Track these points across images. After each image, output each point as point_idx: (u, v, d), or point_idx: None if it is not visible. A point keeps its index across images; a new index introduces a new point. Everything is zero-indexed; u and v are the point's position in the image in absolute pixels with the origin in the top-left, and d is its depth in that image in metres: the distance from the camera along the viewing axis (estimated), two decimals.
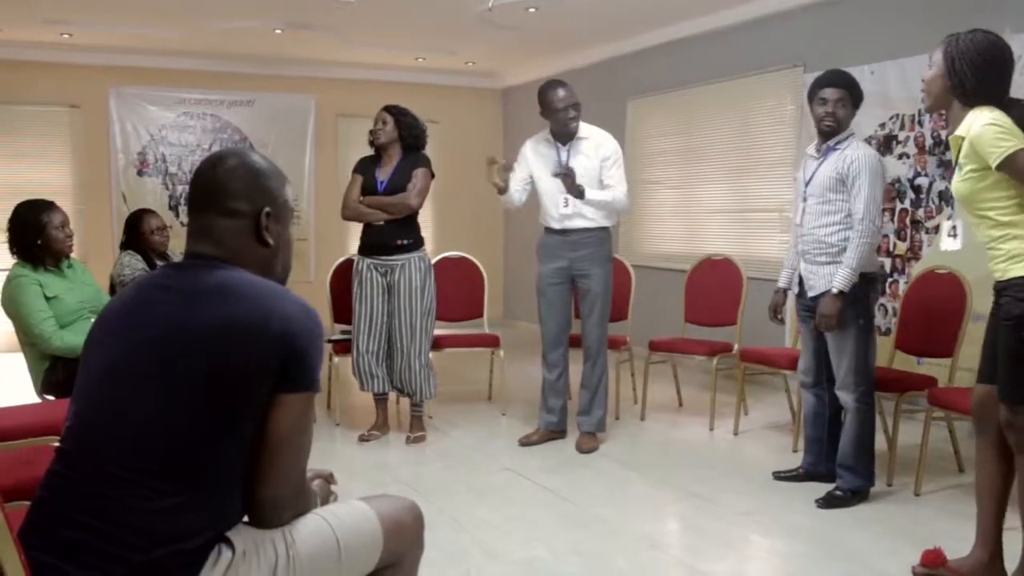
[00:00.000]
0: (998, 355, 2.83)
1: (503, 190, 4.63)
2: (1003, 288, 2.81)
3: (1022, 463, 2.83)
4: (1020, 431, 2.79)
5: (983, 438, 2.99)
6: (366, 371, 4.88)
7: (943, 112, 2.97)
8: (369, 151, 4.94)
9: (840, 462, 3.86)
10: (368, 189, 4.79)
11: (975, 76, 2.76)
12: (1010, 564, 2.99)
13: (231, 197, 1.74)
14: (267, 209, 1.76)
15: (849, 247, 3.70)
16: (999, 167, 2.66)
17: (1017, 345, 2.74)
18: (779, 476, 4.18)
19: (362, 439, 4.90)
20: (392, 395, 5.09)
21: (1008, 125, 2.68)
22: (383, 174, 4.79)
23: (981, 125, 2.70)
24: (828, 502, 3.79)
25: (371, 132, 4.83)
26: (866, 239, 3.67)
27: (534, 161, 4.74)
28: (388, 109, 4.84)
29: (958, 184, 2.86)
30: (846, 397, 3.81)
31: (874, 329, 3.91)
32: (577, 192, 4.46)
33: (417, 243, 4.87)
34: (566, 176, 4.45)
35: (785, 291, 4.21)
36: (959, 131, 2.80)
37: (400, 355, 4.82)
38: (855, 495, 3.82)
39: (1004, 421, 2.84)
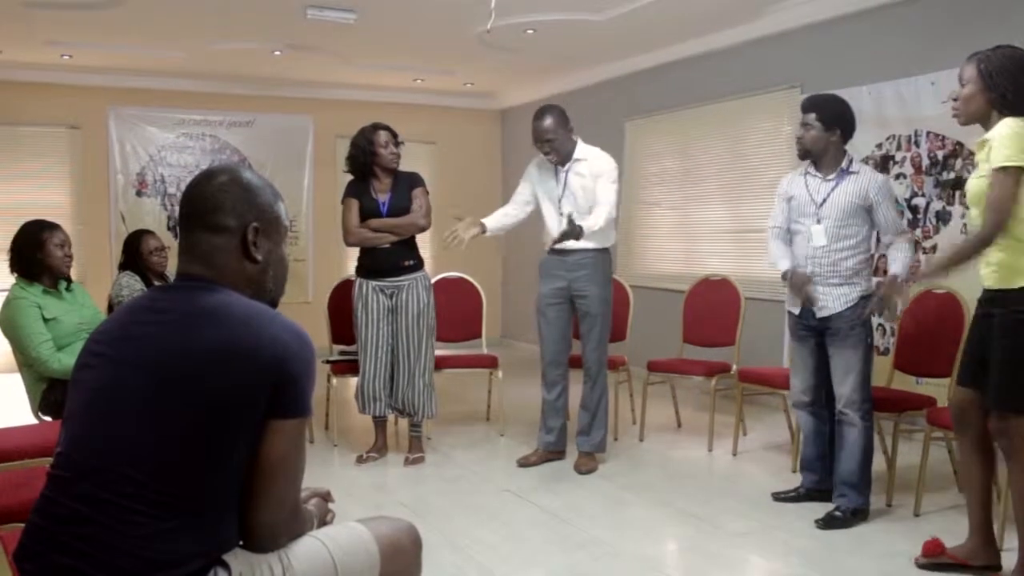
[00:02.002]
0: (991, 363, 2.95)
1: (484, 230, 4.74)
2: (991, 298, 3.00)
3: (1014, 468, 2.95)
4: (1011, 437, 2.94)
5: (964, 439, 3.22)
6: (370, 395, 4.86)
7: (981, 124, 3.05)
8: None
9: (844, 480, 3.84)
10: (370, 212, 4.77)
11: (1015, 87, 2.91)
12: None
13: (219, 213, 1.73)
14: (255, 224, 1.74)
15: (906, 249, 3.77)
16: (996, 170, 2.84)
17: (1008, 354, 2.90)
18: (779, 497, 4.16)
19: (360, 460, 4.88)
20: (391, 416, 5.07)
21: None
22: (382, 196, 4.79)
23: (1009, 128, 2.85)
24: (828, 523, 3.78)
25: (373, 154, 4.73)
26: (912, 245, 3.89)
27: (537, 180, 4.78)
28: (389, 131, 4.82)
29: (973, 181, 3.02)
30: (852, 415, 3.80)
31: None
32: (576, 235, 4.44)
33: (419, 263, 4.89)
34: (570, 230, 4.44)
35: (796, 267, 3.98)
36: (988, 135, 2.94)
37: (404, 375, 4.81)
38: (855, 514, 3.80)
39: (995, 428, 2.99)
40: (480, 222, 4.75)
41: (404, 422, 5.12)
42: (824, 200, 3.86)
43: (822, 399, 4.02)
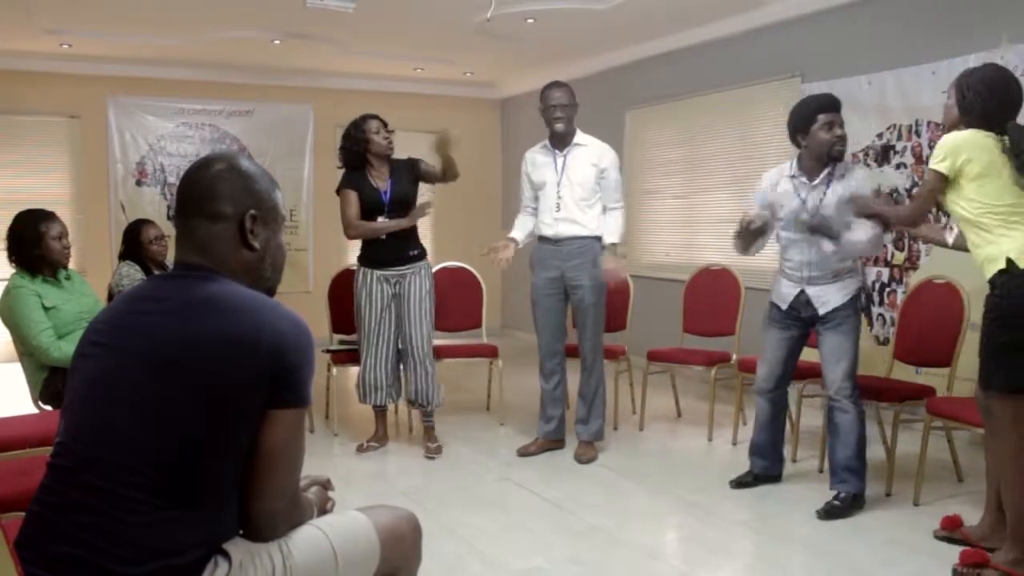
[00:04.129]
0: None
1: (517, 243, 4.81)
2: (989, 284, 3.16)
3: (993, 446, 3.23)
4: (989, 414, 3.20)
5: (987, 425, 3.32)
6: (372, 384, 4.84)
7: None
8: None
9: (844, 466, 3.82)
10: (372, 202, 4.73)
11: (981, 105, 3.15)
12: None
13: (216, 200, 1.72)
14: (252, 212, 1.74)
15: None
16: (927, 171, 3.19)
17: (987, 334, 3.11)
18: (735, 483, 4.21)
19: (360, 450, 4.89)
20: (391, 405, 5.05)
21: (967, 147, 3.09)
22: (382, 184, 4.77)
23: (946, 139, 3.17)
24: (829, 513, 3.77)
25: (366, 142, 4.72)
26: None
27: (533, 171, 4.77)
28: (378, 119, 4.79)
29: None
30: (844, 402, 3.81)
31: None
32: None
33: (423, 252, 4.88)
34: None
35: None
36: None
37: (415, 364, 4.78)
38: (855, 500, 3.81)
39: (980, 406, 3.30)
40: (510, 238, 4.82)
41: (403, 412, 5.11)
42: (817, 209, 3.81)
43: (784, 387, 4.13)
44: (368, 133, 4.73)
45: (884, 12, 5.50)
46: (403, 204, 4.78)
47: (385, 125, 4.80)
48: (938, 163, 3.13)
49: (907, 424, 4.33)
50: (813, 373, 4.26)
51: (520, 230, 4.86)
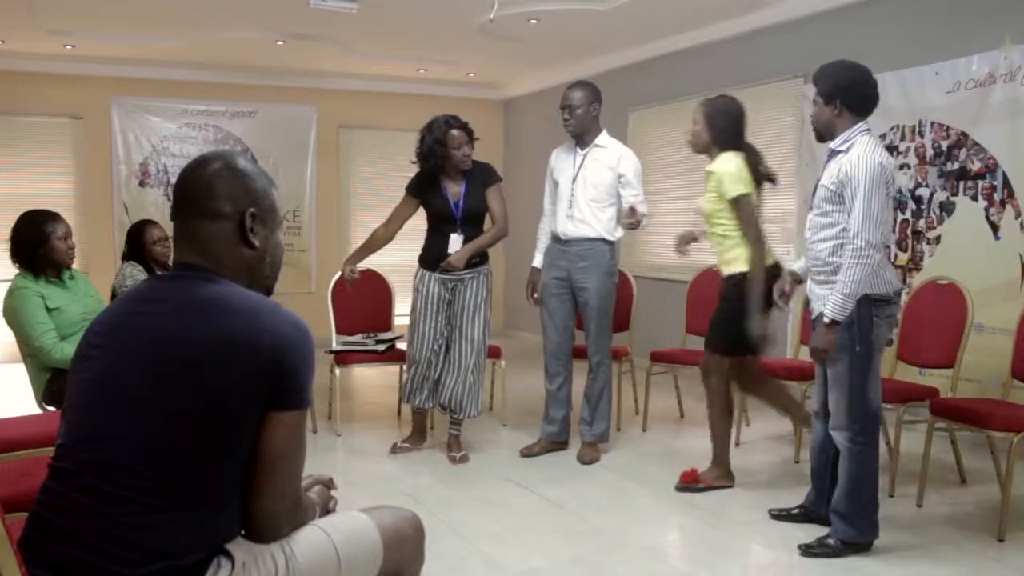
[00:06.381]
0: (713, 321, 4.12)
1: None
2: (727, 279, 4.04)
3: (709, 397, 4.17)
4: (707, 371, 4.16)
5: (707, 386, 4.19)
6: (417, 385, 4.77)
7: (707, 154, 4.09)
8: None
9: (833, 507, 3.39)
10: (442, 212, 4.61)
11: (726, 128, 4.00)
12: None
13: (214, 199, 1.70)
14: (251, 210, 1.73)
15: (841, 270, 3.19)
16: (731, 201, 3.92)
17: (724, 313, 4.05)
18: (775, 514, 3.80)
19: (394, 450, 4.83)
20: (400, 406, 4.98)
21: (744, 172, 3.91)
22: (454, 194, 4.64)
23: (727, 167, 3.92)
24: (809, 549, 3.39)
25: (444, 157, 4.55)
26: (860, 261, 3.13)
27: (556, 167, 4.78)
28: (464, 129, 4.62)
29: (703, 204, 4.13)
30: (838, 437, 3.34)
31: (877, 359, 3.31)
32: (638, 222, 4.56)
33: (485, 257, 4.77)
34: (635, 222, 4.55)
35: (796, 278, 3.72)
36: (710, 167, 4.00)
37: (456, 370, 4.70)
38: (847, 547, 3.35)
39: (702, 366, 4.17)
40: (536, 271, 4.88)
41: (407, 410, 5.07)
42: (816, 184, 3.41)
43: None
44: (448, 147, 4.55)
45: (887, 13, 5.49)
46: (475, 218, 4.68)
47: (470, 136, 4.64)
48: (742, 188, 3.88)
49: (910, 425, 4.33)
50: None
51: (540, 250, 4.88)
